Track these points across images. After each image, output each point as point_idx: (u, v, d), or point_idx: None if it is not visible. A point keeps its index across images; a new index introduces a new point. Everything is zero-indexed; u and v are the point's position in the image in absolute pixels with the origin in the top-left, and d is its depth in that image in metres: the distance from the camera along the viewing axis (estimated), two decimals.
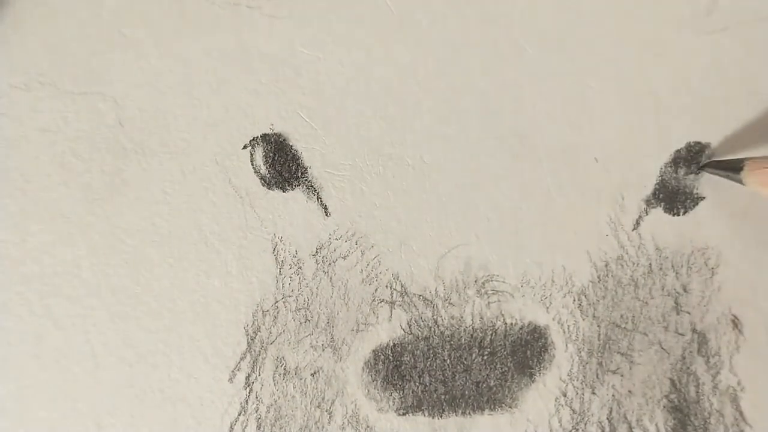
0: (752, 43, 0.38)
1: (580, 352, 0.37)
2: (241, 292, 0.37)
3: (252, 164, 0.37)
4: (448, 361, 0.36)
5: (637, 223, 0.38)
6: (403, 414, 0.36)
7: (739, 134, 0.38)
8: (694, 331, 0.37)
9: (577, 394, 0.37)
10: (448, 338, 0.36)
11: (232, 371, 0.37)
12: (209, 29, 0.37)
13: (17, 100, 0.37)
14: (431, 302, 0.37)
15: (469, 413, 0.36)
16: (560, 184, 0.38)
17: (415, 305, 0.37)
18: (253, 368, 0.37)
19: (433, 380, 0.36)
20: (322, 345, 0.37)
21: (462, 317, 0.37)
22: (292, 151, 0.37)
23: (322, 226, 0.37)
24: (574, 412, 0.37)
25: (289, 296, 0.37)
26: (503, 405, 0.36)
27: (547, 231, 0.37)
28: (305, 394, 0.37)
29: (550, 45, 0.38)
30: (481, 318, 0.37)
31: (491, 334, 0.37)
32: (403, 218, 0.37)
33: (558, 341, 0.37)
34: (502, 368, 0.36)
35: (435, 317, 0.37)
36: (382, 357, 0.36)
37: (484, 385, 0.36)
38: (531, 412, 0.37)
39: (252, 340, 0.37)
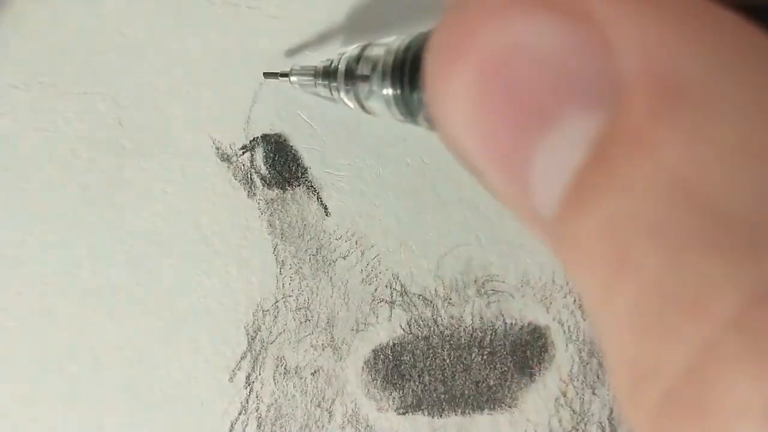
0: None
1: (580, 353, 0.37)
2: (241, 292, 0.37)
3: (252, 164, 0.37)
4: (448, 360, 0.36)
5: None
6: (403, 413, 0.36)
7: None
8: None
9: (578, 394, 0.37)
10: (447, 338, 0.36)
11: (233, 371, 0.37)
12: (209, 29, 0.37)
13: (17, 100, 0.37)
14: (431, 302, 0.37)
15: (469, 413, 0.36)
16: None
17: (414, 305, 0.37)
18: (253, 368, 0.37)
19: (432, 380, 0.36)
20: (322, 344, 0.37)
21: (462, 317, 0.36)
22: (292, 151, 0.37)
23: (322, 226, 0.37)
24: (574, 412, 0.37)
25: (289, 296, 0.37)
26: (503, 405, 0.36)
27: None
28: (305, 393, 0.37)
29: None
30: (481, 318, 0.37)
31: (491, 334, 0.36)
32: (403, 218, 0.37)
33: (558, 341, 0.37)
34: (502, 368, 0.36)
35: (435, 317, 0.36)
36: (382, 357, 0.36)
37: (484, 385, 0.36)
38: (531, 412, 0.37)
39: (252, 339, 0.37)
